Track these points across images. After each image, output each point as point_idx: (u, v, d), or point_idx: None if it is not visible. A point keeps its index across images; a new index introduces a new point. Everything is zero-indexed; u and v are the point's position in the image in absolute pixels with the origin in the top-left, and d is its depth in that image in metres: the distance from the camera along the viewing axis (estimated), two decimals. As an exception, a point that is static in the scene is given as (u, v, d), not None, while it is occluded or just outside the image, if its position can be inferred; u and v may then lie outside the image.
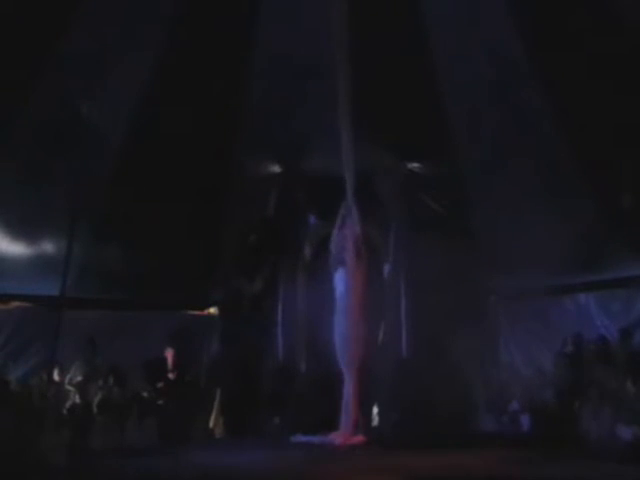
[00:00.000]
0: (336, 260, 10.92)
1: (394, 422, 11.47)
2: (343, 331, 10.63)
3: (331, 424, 10.54)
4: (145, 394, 11.58)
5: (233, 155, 12.43)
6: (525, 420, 10.49)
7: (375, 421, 11.75)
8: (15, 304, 12.17)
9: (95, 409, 10.98)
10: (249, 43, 11.24)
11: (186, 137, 11.64)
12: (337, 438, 10.42)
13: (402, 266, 12.45)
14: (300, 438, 10.75)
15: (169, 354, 12.57)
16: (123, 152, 11.54)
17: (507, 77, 11.05)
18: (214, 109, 11.60)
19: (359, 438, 10.49)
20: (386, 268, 12.51)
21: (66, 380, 11.77)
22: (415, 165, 12.82)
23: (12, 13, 9.59)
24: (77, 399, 11.26)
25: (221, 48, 11.09)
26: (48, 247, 11.50)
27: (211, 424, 11.68)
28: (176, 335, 12.75)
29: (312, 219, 12.25)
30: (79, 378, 11.83)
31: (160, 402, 11.54)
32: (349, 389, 10.45)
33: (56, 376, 11.27)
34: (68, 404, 11.17)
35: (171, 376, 12.19)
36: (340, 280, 10.81)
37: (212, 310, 13.62)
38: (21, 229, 11.52)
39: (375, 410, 11.75)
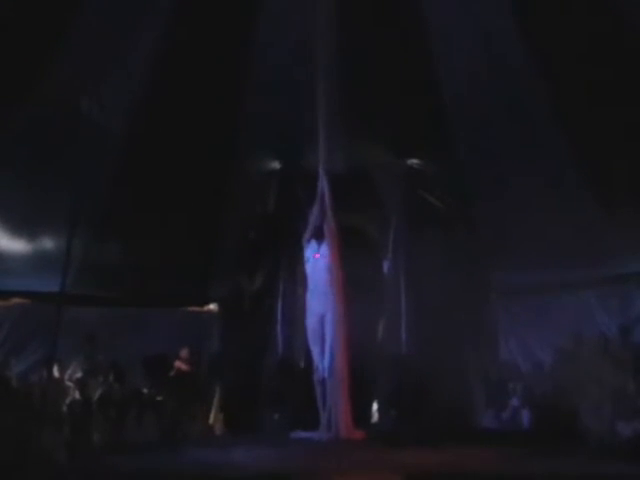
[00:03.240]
0: (311, 232, 10.95)
1: (394, 418, 11.48)
2: (320, 311, 10.62)
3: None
4: (145, 391, 11.60)
5: (233, 152, 12.43)
6: (525, 416, 10.49)
7: (375, 417, 11.76)
8: (15, 301, 12.19)
9: (95, 406, 10.99)
10: (248, 41, 11.22)
11: (186, 135, 11.64)
12: (336, 434, 10.43)
13: (402, 262, 12.44)
14: (300, 434, 10.76)
15: (184, 353, 12.56)
16: (123, 150, 11.55)
17: (507, 72, 11.05)
18: (213, 107, 11.59)
19: (359, 434, 10.50)
20: (386, 264, 12.51)
21: (66, 377, 11.76)
22: (414, 161, 12.80)
23: (13, 10, 9.60)
24: (77, 396, 11.26)
25: (220, 46, 11.08)
26: (48, 244, 11.51)
27: (211, 420, 11.67)
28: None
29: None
30: (79, 375, 11.82)
31: (160, 399, 11.55)
32: (337, 382, 10.44)
33: (56, 373, 11.26)
34: (68, 401, 11.17)
35: (185, 369, 12.21)
36: (312, 252, 10.85)
37: (212, 307, 13.64)
38: (21, 226, 11.54)
39: (375, 406, 11.76)
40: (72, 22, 10.23)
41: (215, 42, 11.05)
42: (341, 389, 10.51)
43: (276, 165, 13.14)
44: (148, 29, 10.80)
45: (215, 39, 11.03)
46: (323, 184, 11.02)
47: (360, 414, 10.93)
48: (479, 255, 12.32)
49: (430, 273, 11.54)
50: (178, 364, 12.36)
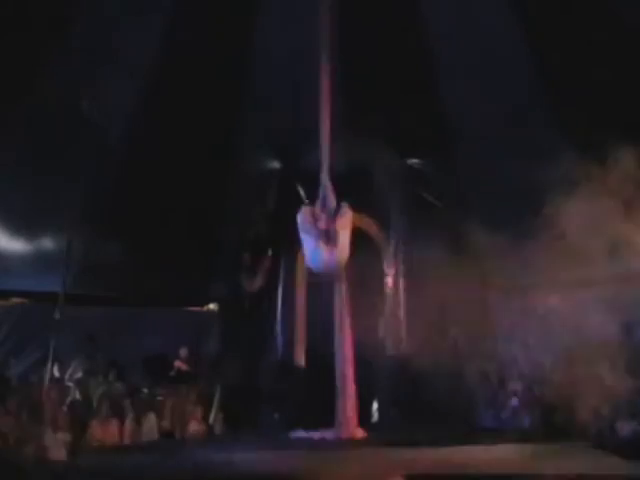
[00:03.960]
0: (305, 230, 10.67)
1: (394, 418, 11.49)
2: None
3: (330, 419, 10.55)
4: (145, 390, 11.61)
5: (233, 152, 12.43)
6: (525, 416, 10.50)
7: (375, 417, 11.75)
8: (15, 301, 12.20)
9: (95, 405, 11.00)
10: (248, 41, 11.23)
11: (186, 135, 11.63)
12: (336, 434, 10.43)
13: (402, 262, 12.45)
14: (300, 434, 10.75)
15: (183, 353, 12.59)
16: (123, 150, 11.57)
17: (505, 72, 11.07)
18: (213, 107, 11.59)
19: (360, 434, 10.50)
20: (386, 264, 12.51)
21: (66, 376, 11.79)
22: (414, 161, 12.81)
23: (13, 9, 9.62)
24: (77, 395, 11.27)
25: (220, 47, 11.08)
26: (48, 244, 11.51)
27: (211, 420, 11.67)
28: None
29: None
30: (79, 374, 11.85)
31: (160, 398, 11.56)
32: (342, 380, 10.43)
33: (56, 372, 11.29)
34: (68, 400, 11.18)
35: (185, 369, 12.27)
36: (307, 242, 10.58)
37: (212, 307, 13.65)
38: (21, 225, 11.55)
39: (375, 406, 11.76)
40: (72, 21, 10.25)
41: (215, 42, 11.05)
42: (345, 388, 10.51)
43: (276, 165, 13.12)
44: (149, 28, 10.81)
45: (215, 39, 11.03)
46: (325, 189, 10.81)
47: (360, 414, 10.94)
48: (479, 255, 12.29)
49: (430, 273, 11.53)
50: (178, 364, 12.39)
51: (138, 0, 10.60)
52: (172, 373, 12.23)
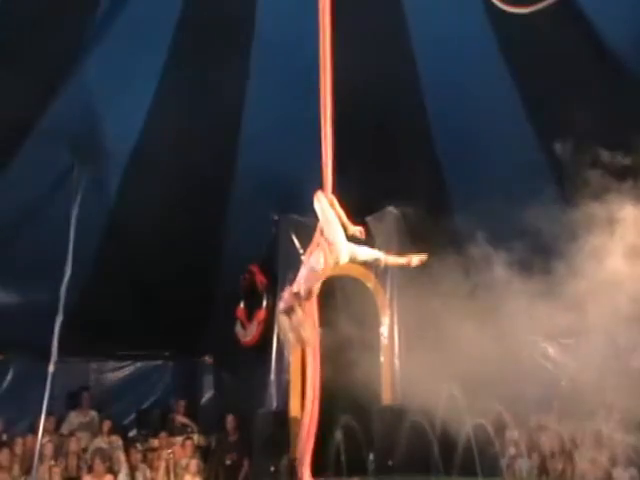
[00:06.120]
0: None
1: (390, 468, 11.36)
2: None
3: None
4: (139, 443, 11.54)
5: (229, 201, 12.52)
6: (522, 464, 10.40)
7: (371, 468, 11.62)
8: (9, 354, 12.19)
9: (89, 458, 10.95)
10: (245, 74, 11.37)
11: (181, 184, 11.69)
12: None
13: (397, 310, 12.44)
14: (295, 486, 10.61)
15: (180, 406, 12.55)
16: (115, 207, 11.72)
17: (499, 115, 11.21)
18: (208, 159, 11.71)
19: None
20: (381, 312, 12.48)
21: (60, 430, 11.74)
22: (409, 209, 12.86)
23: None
24: (72, 448, 11.21)
25: (217, 86, 11.23)
26: (42, 296, 11.50)
27: (206, 474, 11.55)
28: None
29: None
30: (73, 427, 11.81)
31: (154, 451, 11.49)
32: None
33: (50, 426, 11.24)
34: (63, 453, 11.13)
35: (181, 421, 12.22)
36: None
37: (207, 358, 13.62)
38: (14, 277, 11.58)
39: (371, 456, 11.63)
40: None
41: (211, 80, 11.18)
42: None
43: (271, 215, 13.15)
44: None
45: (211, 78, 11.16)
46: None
47: (357, 464, 10.83)
48: (476, 300, 12.26)
49: (425, 321, 11.51)
50: (173, 416, 12.33)
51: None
52: (167, 425, 12.16)
